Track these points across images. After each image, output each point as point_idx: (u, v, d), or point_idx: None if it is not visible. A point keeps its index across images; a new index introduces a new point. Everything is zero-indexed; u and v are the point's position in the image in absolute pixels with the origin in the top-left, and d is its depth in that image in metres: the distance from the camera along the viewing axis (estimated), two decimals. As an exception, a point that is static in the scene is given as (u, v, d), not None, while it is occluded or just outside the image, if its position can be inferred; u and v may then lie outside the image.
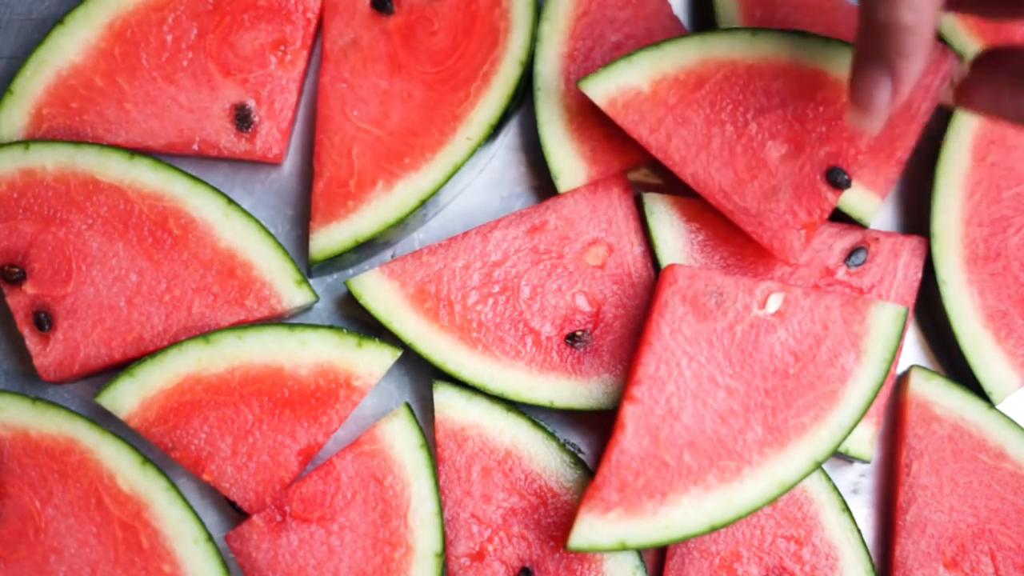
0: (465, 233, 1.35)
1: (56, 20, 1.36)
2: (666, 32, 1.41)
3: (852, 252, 1.37)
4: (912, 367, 1.38)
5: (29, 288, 1.30)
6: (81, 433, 1.28)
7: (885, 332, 1.28)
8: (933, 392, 1.36)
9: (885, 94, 1.11)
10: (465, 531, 1.31)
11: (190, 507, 1.28)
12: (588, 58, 1.39)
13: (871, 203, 1.38)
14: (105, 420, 1.34)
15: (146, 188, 1.32)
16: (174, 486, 1.28)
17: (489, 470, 1.32)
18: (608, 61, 1.38)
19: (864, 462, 1.35)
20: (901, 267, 1.38)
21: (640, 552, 1.29)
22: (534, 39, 1.38)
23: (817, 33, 1.36)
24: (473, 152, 1.36)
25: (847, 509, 1.32)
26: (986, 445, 1.35)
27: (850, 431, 1.27)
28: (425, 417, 1.38)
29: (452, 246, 1.35)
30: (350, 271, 1.41)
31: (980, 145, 1.39)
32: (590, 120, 1.35)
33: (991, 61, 1.15)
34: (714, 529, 1.24)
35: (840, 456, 1.36)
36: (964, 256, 1.37)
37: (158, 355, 1.29)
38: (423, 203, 1.35)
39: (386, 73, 1.37)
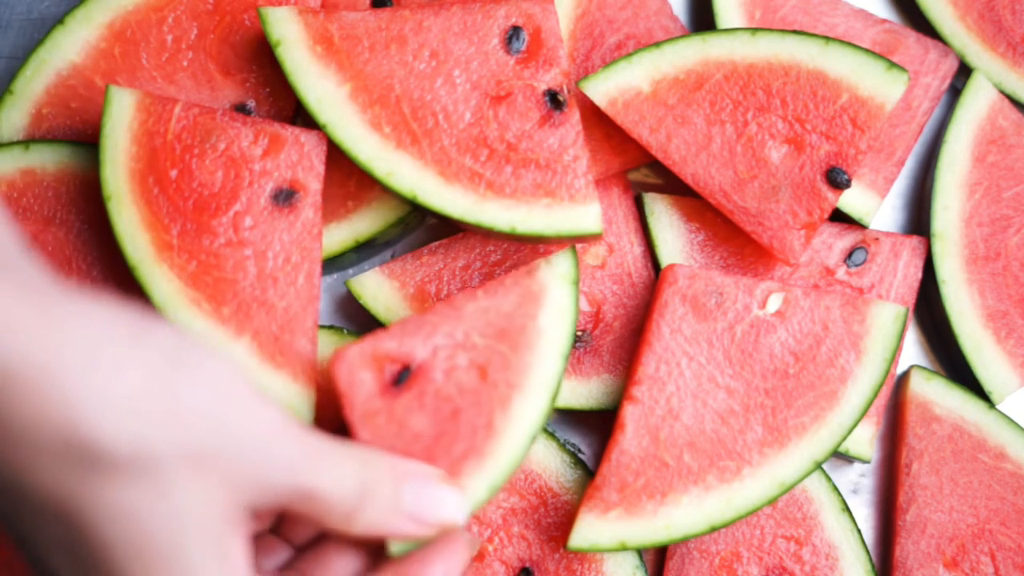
0: (465, 233, 1.35)
1: (56, 20, 1.36)
2: (666, 32, 1.41)
3: (852, 252, 1.37)
4: (912, 367, 1.38)
5: (29, 288, 1.30)
6: (81, 433, 1.28)
7: (885, 332, 1.28)
8: (933, 392, 1.36)
9: None
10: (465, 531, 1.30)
11: (190, 507, 1.28)
12: (588, 59, 1.38)
13: (871, 203, 1.38)
14: (105, 420, 1.34)
15: (146, 188, 1.32)
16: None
17: (489, 470, 1.32)
18: (608, 61, 1.38)
19: (864, 462, 1.35)
20: (901, 267, 1.38)
21: (640, 552, 1.29)
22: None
23: (817, 33, 1.36)
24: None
25: (847, 509, 1.32)
26: (986, 445, 1.35)
27: (850, 431, 1.27)
28: (425, 417, 1.38)
29: (452, 246, 1.35)
30: (350, 271, 1.41)
31: (980, 145, 1.39)
32: (590, 120, 1.35)
33: None
34: (714, 529, 1.24)
35: (840, 456, 1.36)
36: (964, 256, 1.37)
37: (158, 355, 1.29)
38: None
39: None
